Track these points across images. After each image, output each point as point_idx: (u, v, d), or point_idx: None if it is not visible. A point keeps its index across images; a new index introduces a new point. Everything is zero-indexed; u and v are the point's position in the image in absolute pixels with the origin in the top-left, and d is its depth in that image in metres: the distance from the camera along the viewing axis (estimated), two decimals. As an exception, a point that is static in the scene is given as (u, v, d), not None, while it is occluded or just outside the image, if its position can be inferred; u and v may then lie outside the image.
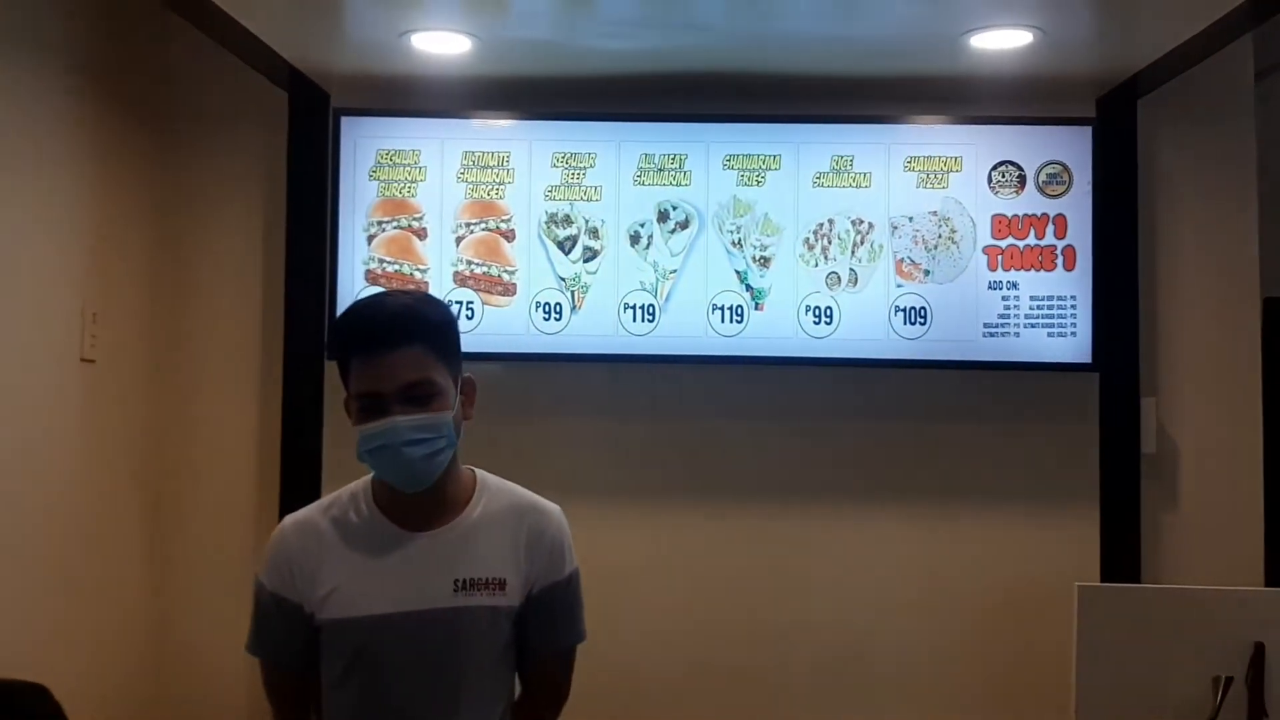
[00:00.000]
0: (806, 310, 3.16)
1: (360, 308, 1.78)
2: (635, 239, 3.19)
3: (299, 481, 3.23)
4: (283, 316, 3.31)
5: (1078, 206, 3.17)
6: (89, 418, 2.95)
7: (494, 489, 1.86)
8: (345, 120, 3.23)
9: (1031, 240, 3.17)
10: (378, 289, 3.18)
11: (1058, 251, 3.17)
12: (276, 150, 3.34)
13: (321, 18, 2.86)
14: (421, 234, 3.22)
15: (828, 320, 3.15)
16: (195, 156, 3.38)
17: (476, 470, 1.87)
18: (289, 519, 1.84)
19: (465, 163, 3.21)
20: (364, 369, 1.70)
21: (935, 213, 3.17)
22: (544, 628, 1.83)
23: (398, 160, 3.22)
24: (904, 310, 3.16)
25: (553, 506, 1.88)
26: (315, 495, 3.21)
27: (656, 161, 3.19)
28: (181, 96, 3.37)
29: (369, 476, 1.83)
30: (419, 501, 1.76)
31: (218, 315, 3.38)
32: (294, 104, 3.31)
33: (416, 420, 1.68)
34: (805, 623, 3.28)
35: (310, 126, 3.31)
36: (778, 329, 3.15)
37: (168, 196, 3.35)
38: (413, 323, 1.72)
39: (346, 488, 1.85)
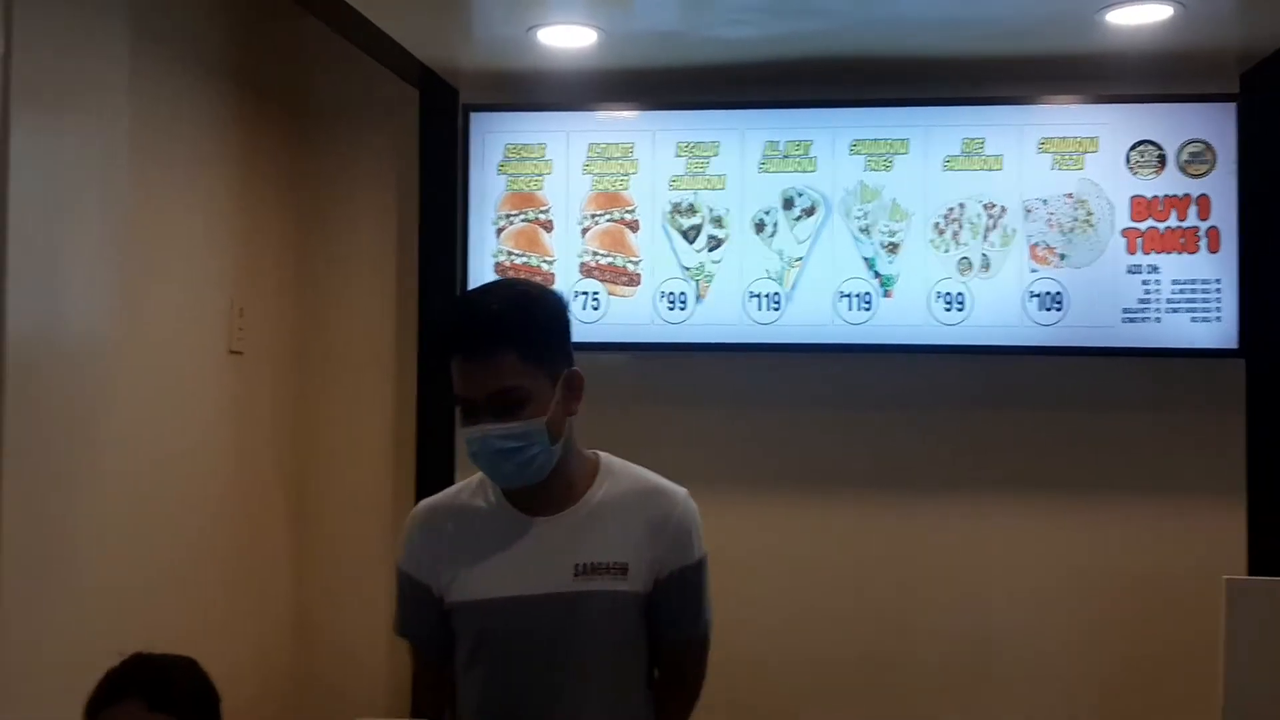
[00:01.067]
0: (937, 297, 3.11)
1: (454, 309, 1.77)
2: (760, 227, 3.18)
3: (433, 470, 3.31)
4: (415, 308, 3.39)
5: (1222, 186, 3.04)
6: (238, 408, 3.08)
7: (618, 473, 1.83)
8: (474, 116, 3.29)
9: (1173, 222, 3.06)
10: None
11: (1201, 233, 3.05)
12: (408, 147, 3.42)
13: (451, 16, 2.92)
14: (548, 226, 3.27)
15: (959, 307, 3.10)
16: (332, 155, 3.49)
17: (601, 454, 1.86)
18: (422, 503, 1.88)
19: (591, 155, 3.25)
20: (457, 373, 1.70)
21: (1071, 195, 3.08)
22: (671, 615, 1.80)
23: (525, 154, 3.27)
24: (1039, 296, 3.08)
25: (679, 489, 1.85)
26: (449, 483, 3.30)
27: (781, 148, 3.17)
28: (318, 97, 3.48)
29: None
30: (539, 488, 1.76)
31: (354, 308, 3.49)
32: (425, 101, 3.39)
33: (506, 429, 1.68)
34: (936, 616, 3.23)
35: (440, 123, 3.38)
36: (907, 316, 3.11)
37: (306, 194, 3.47)
38: (504, 328, 1.69)
39: (478, 474, 1.85)
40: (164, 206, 2.73)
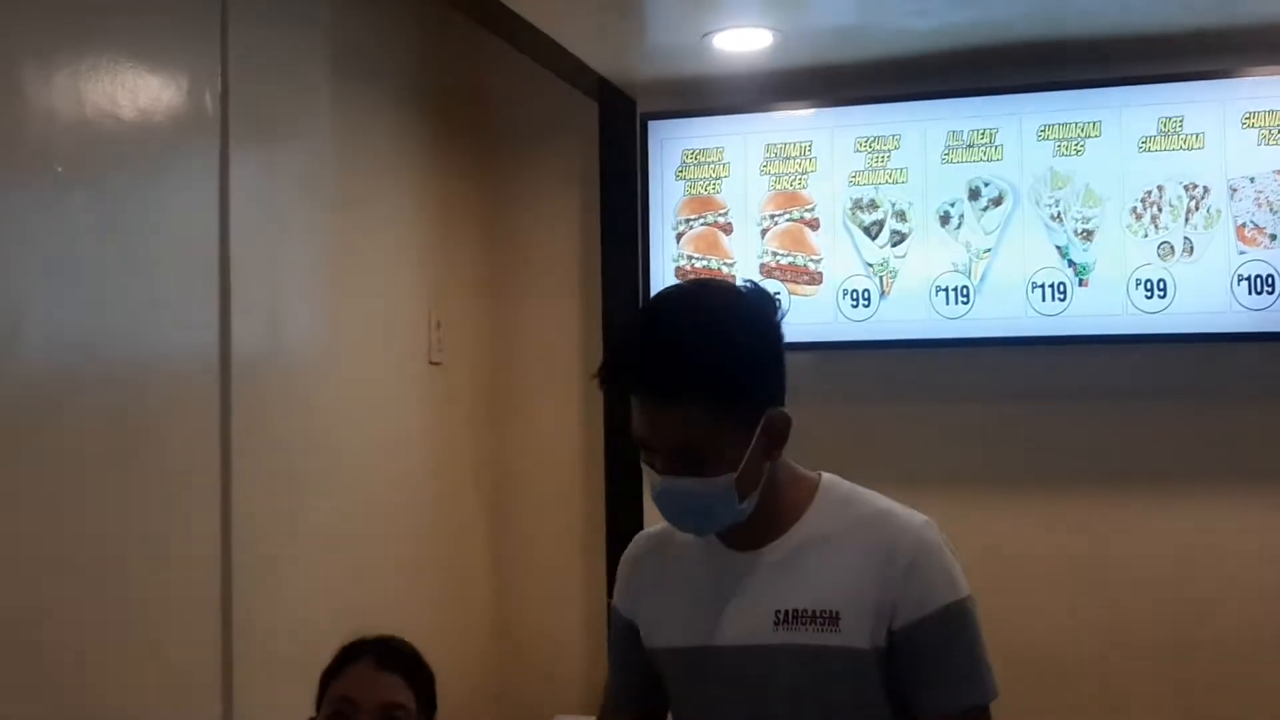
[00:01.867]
0: (1137, 284, 2.98)
1: (633, 333, 1.47)
2: (945, 219, 3.11)
3: (621, 481, 3.38)
4: (600, 315, 3.47)
5: None
6: (439, 416, 3.22)
7: (836, 500, 1.53)
8: (652, 124, 3.34)
9: (1400, 193, 2.85)
10: (689, 285, 3.28)
11: None
12: (589, 157, 3.50)
13: (627, 28, 2.98)
14: (727, 229, 3.29)
15: (1161, 293, 2.96)
16: (518, 169, 3.60)
17: (824, 478, 1.56)
18: (639, 534, 1.68)
19: (768, 155, 3.25)
20: (635, 408, 1.44)
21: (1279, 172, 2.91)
22: (919, 678, 1.45)
23: (702, 159, 3.30)
24: (1248, 279, 2.92)
25: (913, 517, 1.51)
26: (637, 495, 3.36)
27: (965, 138, 3.10)
28: (503, 114, 3.60)
29: None
30: (744, 521, 1.49)
31: (543, 317, 3.59)
32: (603, 112, 3.46)
33: (685, 486, 1.43)
34: (1146, 615, 3.09)
35: (619, 132, 3.44)
36: (1105, 305, 2.99)
37: (495, 208, 3.59)
38: (690, 368, 1.39)
39: None
40: (366, 225, 2.88)
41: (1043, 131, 3.04)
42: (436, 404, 3.20)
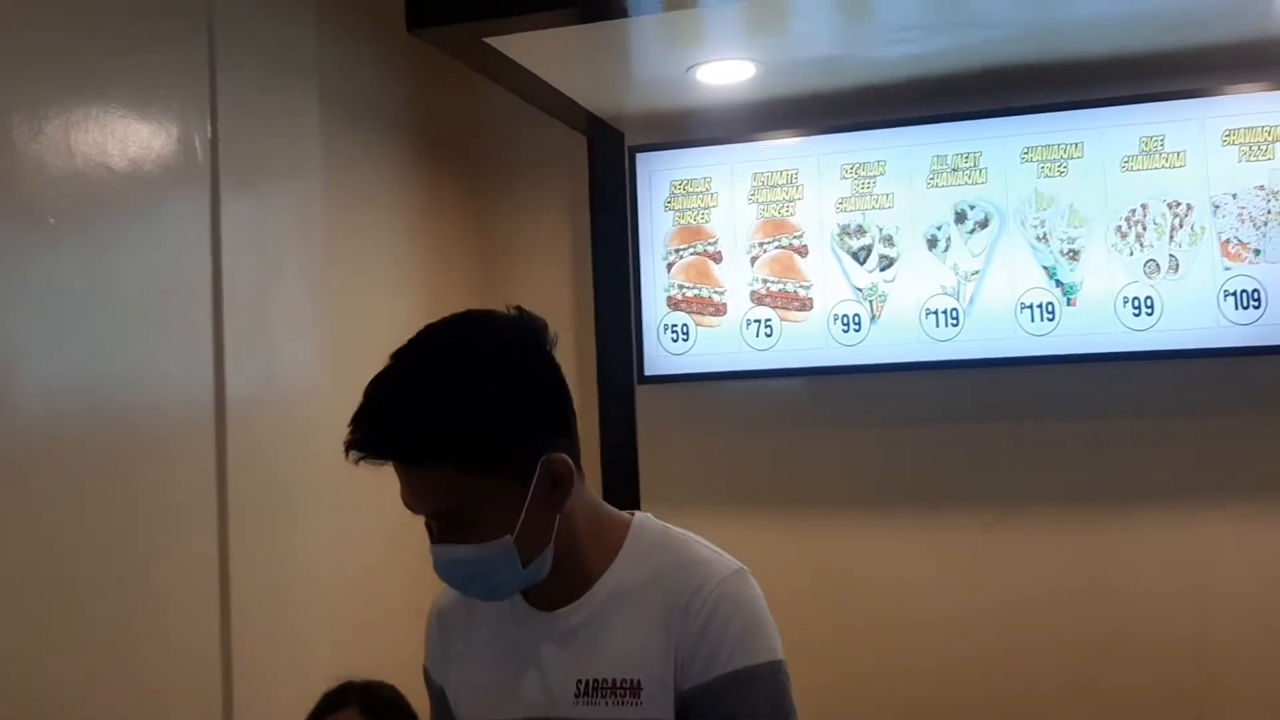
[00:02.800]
0: (1124, 302, 3.00)
1: (366, 402, 1.28)
2: (933, 243, 3.14)
3: (618, 504, 3.37)
4: (593, 347, 3.49)
5: None
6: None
7: (645, 547, 1.36)
8: (640, 156, 3.37)
9: (1381, 206, 2.88)
10: (680, 315, 3.31)
11: None
12: (579, 190, 3.53)
13: (613, 64, 3.01)
14: (717, 258, 3.31)
15: (1149, 311, 2.98)
16: (508, 204, 3.63)
17: (636, 519, 1.40)
18: (436, 597, 1.51)
19: (755, 184, 3.28)
20: (398, 479, 1.28)
21: (1263, 187, 2.94)
22: None
23: (691, 189, 3.33)
24: (1234, 294, 2.94)
25: (722, 564, 1.34)
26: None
27: (950, 162, 3.13)
28: (492, 149, 3.64)
29: None
30: (549, 577, 1.34)
31: (535, 350, 3.60)
32: (592, 146, 3.50)
33: (458, 555, 1.27)
34: (1138, 637, 3.10)
35: (608, 165, 3.47)
36: (1094, 324, 3.01)
37: (487, 243, 3.62)
38: (422, 432, 1.23)
39: None
40: (358, 263, 2.91)
41: (1026, 154, 3.08)
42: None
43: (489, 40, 2.70)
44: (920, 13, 2.73)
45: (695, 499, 3.42)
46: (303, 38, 2.58)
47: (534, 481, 1.27)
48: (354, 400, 2.81)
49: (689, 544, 1.38)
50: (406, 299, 3.14)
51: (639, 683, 1.29)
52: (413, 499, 1.27)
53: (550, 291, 3.60)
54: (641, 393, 3.42)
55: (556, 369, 1.33)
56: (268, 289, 2.43)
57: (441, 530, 1.28)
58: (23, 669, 1.78)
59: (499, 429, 1.25)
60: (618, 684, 1.29)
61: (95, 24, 2.00)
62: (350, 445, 1.25)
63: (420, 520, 1.32)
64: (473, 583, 1.31)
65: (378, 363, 1.24)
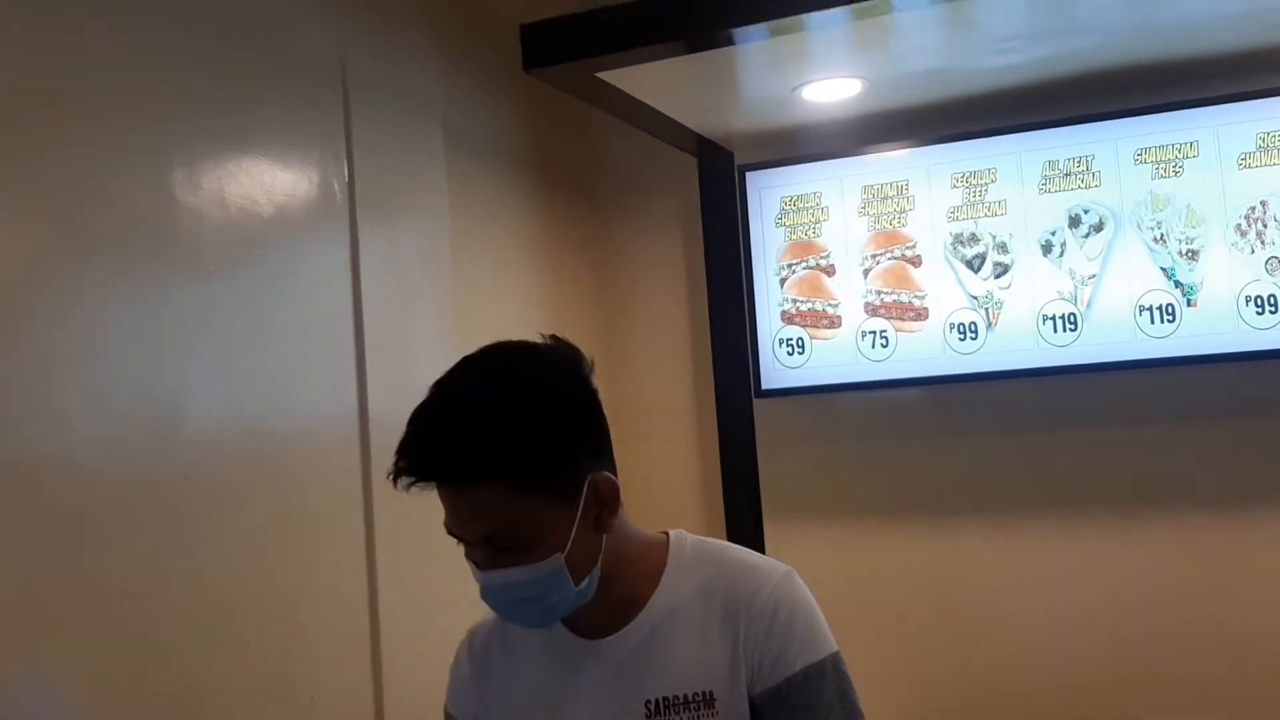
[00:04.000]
0: (1246, 301, 2.96)
1: (419, 422, 1.29)
2: (1048, 248, 3.14)
3: (741, 517, 3.46)
4: (711, 363, 3.57)
5: None
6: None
7: (691, 559, 1.39)
8: (749, 174, 3.45)
9: None
10: (794, 329, 3.37)
11: None
12: (691, 210, 3.63)
13: (721, 89, 3.10)
14: (830, 271, 3.37)
15: (1272, 309, 2.93)
16: (623, 228, 3.75)
17: (673, 536, 1.42)
18: (474, 628, 1.52)
19: (865, 197, 3.33)
20: (442, 502, 1.29)
21: (1392, 177, 2.87)
22: None
23: (801, 204, 3.40)
24: (1368, 288, 2.88)
25: (773, 568, 1.37)
26: (757, 528, 3.44)
27: (1061, 167, 3.13)
28: (606, 176, 3.76)
29: None
30: (593, 605, 1.35)
31: (654, 369, 3.70)
32: (702, 166, 3.59)
33: (509, 578, 1.28)
34: (1264, 636, 3.03)
35: (718, 184, 3.56)
36: (1215, 324, 2.97)
37: (604, 267, 3.74)
38: (483, 456, 1.24)
39: None
40: (484, 289, 3.06)
41: (1139, 155, 3.06)
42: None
43: (601, 74, 2.82)
44: (1024, 22, 2.75)
45: (816, 511, 3.47)
46: (427, 83, 2.74)
47: (582, 501, 1.29)
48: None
49: (731, 551, 1.41)
50: (530, 321, 3.28)
51: (712, 694, 1.31)
52: (463, 523, 1.28)
53: (667, 311, 3.70)
54: (759, 407, 3.49)
55: (595, 393, 1.36)
56: (403, 316, 2.59)
57: (490, 556, 1.29)
58: (187, 679, 1.92)
59: (549, 448, 1.28)
60: (690, 699, 1.31)
61: (239, 81, 2.17)
62: (401, 471, 1.26)
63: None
64: (525, 607, 1.31)
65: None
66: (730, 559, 1.39)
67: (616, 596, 1.35)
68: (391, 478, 1.27)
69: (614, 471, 1.35)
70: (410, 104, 2.67)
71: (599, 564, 1.32)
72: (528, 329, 3.28)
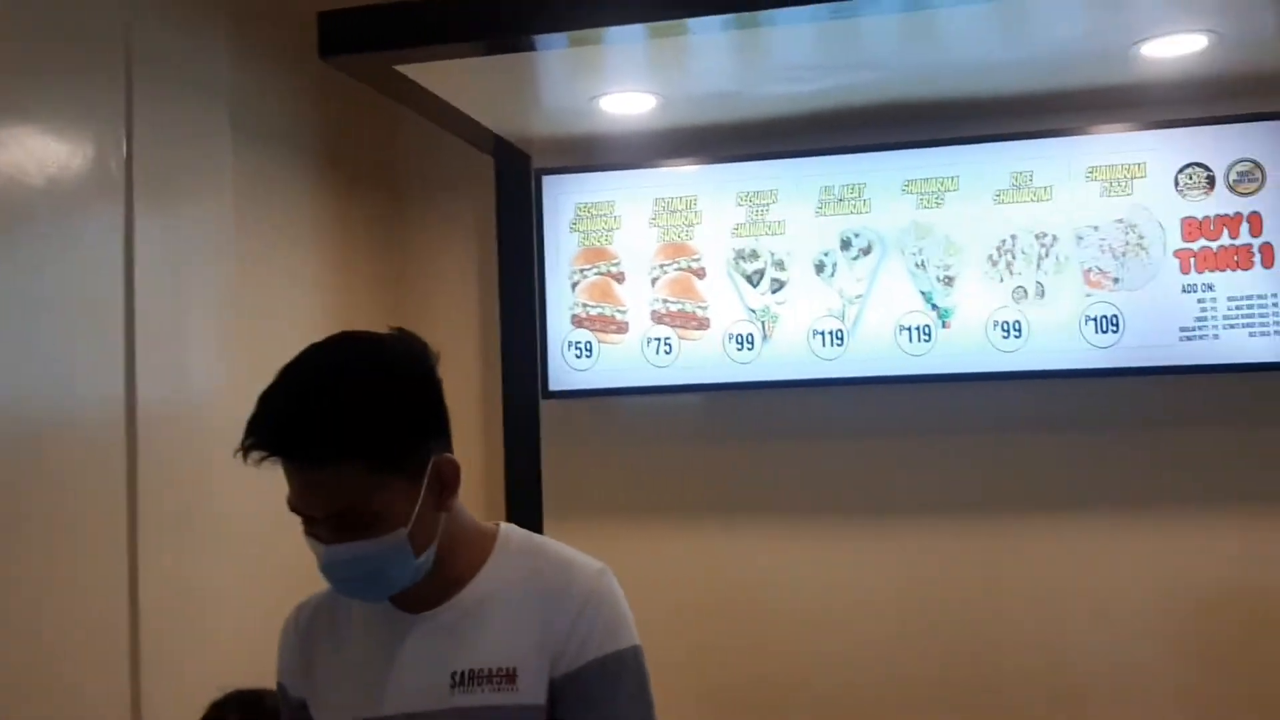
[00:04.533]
0: (994, 326, 3.22)
1: (277, 400, 1.36)
2: (820, 268, 3.33)
3: (523, 516, 3.51)
4: (499, 362, 3.61)
5: (1272, 203, 3.11)
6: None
7: (515, 551, 1.48)
8: (546, 179, 3.51)
9: (1225, 240, 3.14)
10: (583, 333, 3.45)
11: (1254, 250, 3.12)
12: (486, 210, 3.66)
13: (520, 92, 3.15)
14: (620, 278, 3.46)
15: (1017, 334, 3.21)
16: (417, 223, 3.74)
17: (502, 528, 1.51)
18: (297, 605, 1.60)
19: (656, 209, 3.44)
20: (290, 481, 1.35)
21: (1121, 220, 3.18)
22: None
23: (595, 211, 3.48)
24: (1095, 319, 3.18)
25: (588, 564, 1.47)
26: (538, 526, 3.50)
27: (836, 192, 3.33)
28: (401, 170, 3.74)
29: None
30: (419, 581, 1.43)
31: (445, 363, 3.66)
32: (499, 168, 3.62)
33: (354, 551, 1.35)
34: (1008, 635, 3.32)
35: (514, 187, 3.60)
36: (966, 346, 3.23)
37: (395, 260, 3.72)
38: (346, 434, 1.31)
39: None
40: (267, 279, 2.99)
41: (906, 186, 3.29)
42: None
43: (399, 68, 2.82)
44: (810, 54, 2.92)
45: (597, 509, 3.56)
46: (216, 63, 2.67)
47: (425, 481, 1.38)
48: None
49: (553, 547, 1.51)
50: (316, 316, 3.24)
51: (514, 671, 1.39)
52: (312, 499, 1.34)
53: (459, 308, 3.71)
54: (546, 407, 3.55)
55: (439, 381, 1.45)
56: (179, 304, 2.51)
57: (336, 532, 1.35)
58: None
59: (401, 430, 1.36)
60: (494, 673, 1.39)
61: (13, 46, 2.08)
62: (253, 447, 1.32)
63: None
64: (366, 580, 1.38)
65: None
66: (552, 552, 1.49)
67: (444, 575, 1.43)
68: (241, 453, 1.32)
69: (452, 454, 1.43)
70: (197, 84, 2.60)
71: (436, 541, 1.41)
72: (315, 321, 3.26)
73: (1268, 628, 3.15)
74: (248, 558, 2.76)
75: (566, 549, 1.51)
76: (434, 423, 1.42)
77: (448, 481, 1.41)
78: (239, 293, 2.76)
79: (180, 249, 2.53)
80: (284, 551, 2.97)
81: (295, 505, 1.36)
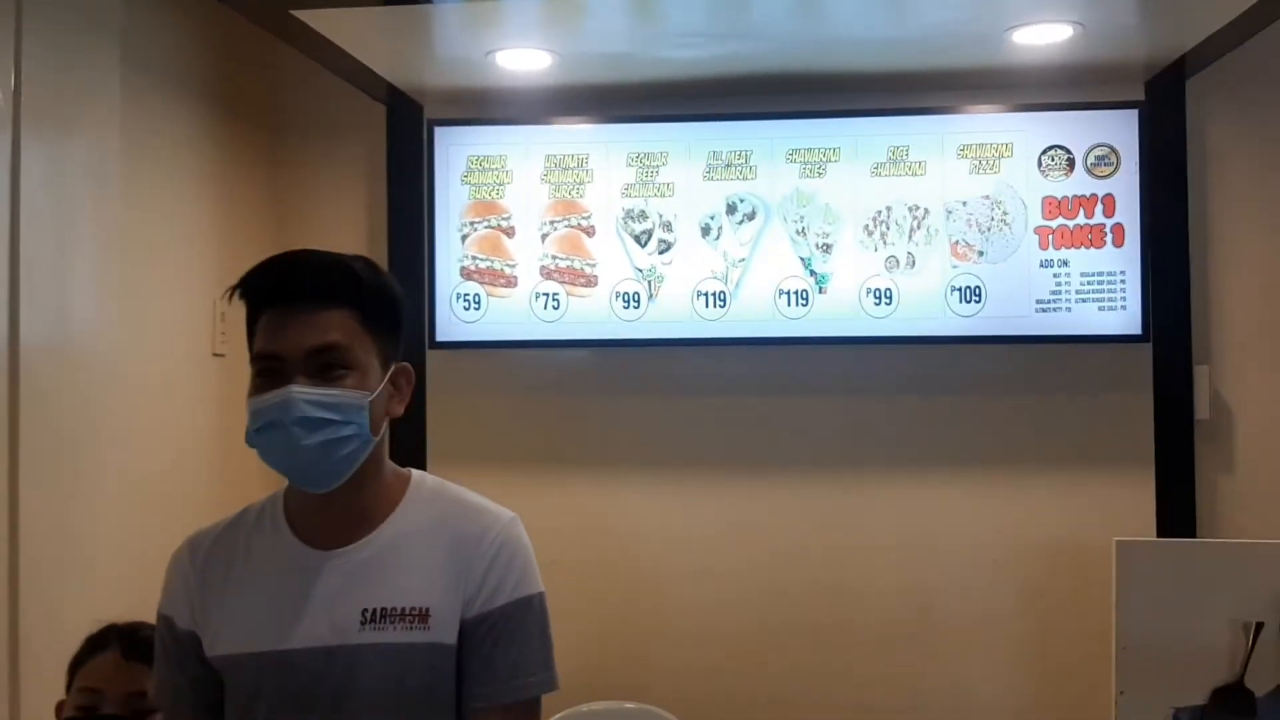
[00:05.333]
0: (867, 293, 3.38)
1: (283, 255, 1.47)
2: (706, 231, 3.44)
3: (403, 462, 3.54)
4: (387, 311, 3.62)
5: (1126, 186, 3.33)
6: (222, 406, 3.31)
7: (428, 495, 1.53)
8: (438, 130, 3.53)
9: (1081, 220, 3.35)
10: (472, 285, 3.49)
11: (1107, 230, 3.34)
12: (377, 159, 3.66)
13: (415, 41, 3.16)
14: (510, 232, 3.51)
15: (887, 301, 3.37)
16: (306, 168, 3.72)
17: (416, 473, 1.56)
18: (189, 537, 1.59)
19: (548, 165, 3.49)
20: (271, 326, 1.41)
21: (988, 197, 3.36)
22: (482, 669, 1.44)
23: (487, 165, 3.51)
24: (959, 290, 3.36)
25: (501, 512, 1.53)
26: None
27: (724, 158, 3.43)
28: (292, 112, 3.71)
29: (286, 485, 1.54)
30: (330, 513, 1.47)
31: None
32: (391, 116, 3.62)
33: (322, 394, 1.38)
34: (872, 582, 3.51)
35: (406, 136, 3.61)
36: (840, 311, 3.38)
37: (283, 205, 3.69)
38: (343, 279, 1.43)
39: (263, 499, 1.59)
40: (153, 218, 2.96)
41: (791, 155, 3.41)
42: (220, 394, 3.30)
43: (295, 13, 2.81)
44: (703, 21, 3.00)
45: (479, 458, 3.62)
46: (108, -4, 2.63)
47: (391, 369, 1.48)
48: (145, 353, 2.87)
49: (466, 494, 1.57)
50: (199, 256, 3.21)
51: (427, 610, 1.43)
52: (298, 334, 1.40)
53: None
54: (432, 358, 3.59)
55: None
56: (63, 241, 2.48)
57: (306, 374, 1.39)
58: None
59: (391, 302, 1.48)
60: (406, 611, 1.42)
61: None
62: (252, 287, 1.44)
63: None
64: (314, 431, 1.38)
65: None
66: (465, 500, 1.55)
67: (358, 506, 1.48)
68: (231, 294, 1.45)
69: None
70: (89, 18, 2.55)
71: (380, 440, 1.47)
72: (196, 260, 3.22)
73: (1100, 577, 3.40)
74: (132, 503, 2.75)
75: (478, 497, 1.56)
76: (401, 334, 1.51)
77: (401, 389, 1.50)
78: (123, 231, 2.73)
79: (66, 185, 2.49)
80: (165, 490, 2.98)
81: (269, 347, 1.41)
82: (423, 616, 1.43)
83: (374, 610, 1.43)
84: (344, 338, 1.41)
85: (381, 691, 1.41)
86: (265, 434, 1.41)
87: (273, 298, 1.43)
